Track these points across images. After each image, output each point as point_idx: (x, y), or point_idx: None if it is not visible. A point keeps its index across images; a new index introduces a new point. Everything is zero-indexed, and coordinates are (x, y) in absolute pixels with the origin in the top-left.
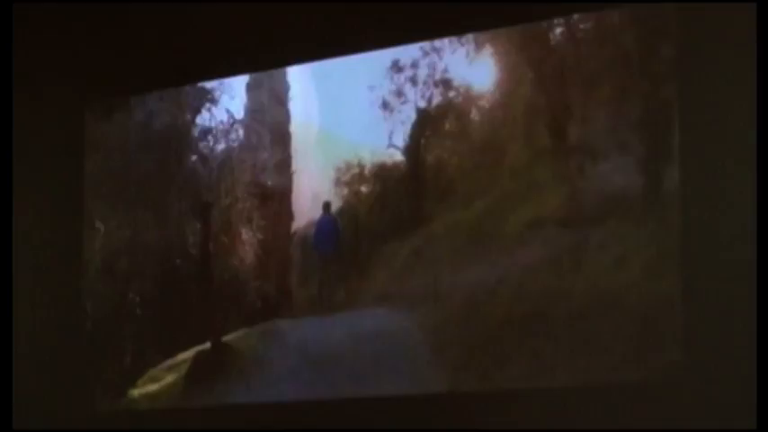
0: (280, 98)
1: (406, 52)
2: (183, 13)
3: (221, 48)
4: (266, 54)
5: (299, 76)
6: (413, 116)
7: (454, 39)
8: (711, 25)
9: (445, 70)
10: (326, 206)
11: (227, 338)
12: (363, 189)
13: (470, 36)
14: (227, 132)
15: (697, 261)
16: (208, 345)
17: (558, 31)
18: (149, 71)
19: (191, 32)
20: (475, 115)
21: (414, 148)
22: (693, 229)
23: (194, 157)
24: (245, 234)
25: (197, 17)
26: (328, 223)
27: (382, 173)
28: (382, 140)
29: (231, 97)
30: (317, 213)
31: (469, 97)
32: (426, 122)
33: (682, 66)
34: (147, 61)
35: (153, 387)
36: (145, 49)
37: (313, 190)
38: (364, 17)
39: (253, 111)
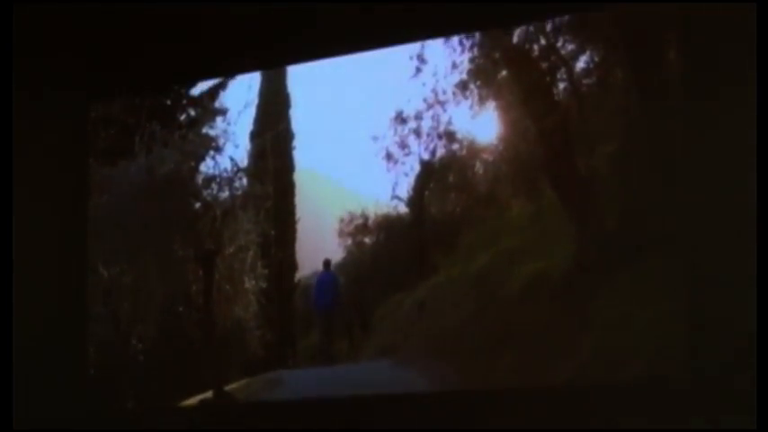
0: (283, 147)
1: (410, 104)
2: (182, 14)
3: (220, 48)
4: (266, 54)
5: (302, 125)
6: (416, 168)
7: (458, 91)
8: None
9: (449, 122)
10: (326, 264)
11: (229, 387)
12: (367, 240)
13: (474, 89)
14: (230, 180)
15: (705, 318)
16: (210, 393)
17: (562, 86)
18: (150, 74)
19: (188, 34)
20: (479, 168)
21: (417, 199)
22: (702, 284)
23: (198, 205)
24: (248, 282)
25: (195, 19)
26: (328, 281)
27: (386, 224)
28: (386, 191)
29: (235, 145)
30: (320, 263)
31: (473, 150)
32: (430, 174)
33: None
34: (148, 64)
35: None
36: (145, 52)
37: (317, 239)
38: (361, 15)
39: (257, 159)
